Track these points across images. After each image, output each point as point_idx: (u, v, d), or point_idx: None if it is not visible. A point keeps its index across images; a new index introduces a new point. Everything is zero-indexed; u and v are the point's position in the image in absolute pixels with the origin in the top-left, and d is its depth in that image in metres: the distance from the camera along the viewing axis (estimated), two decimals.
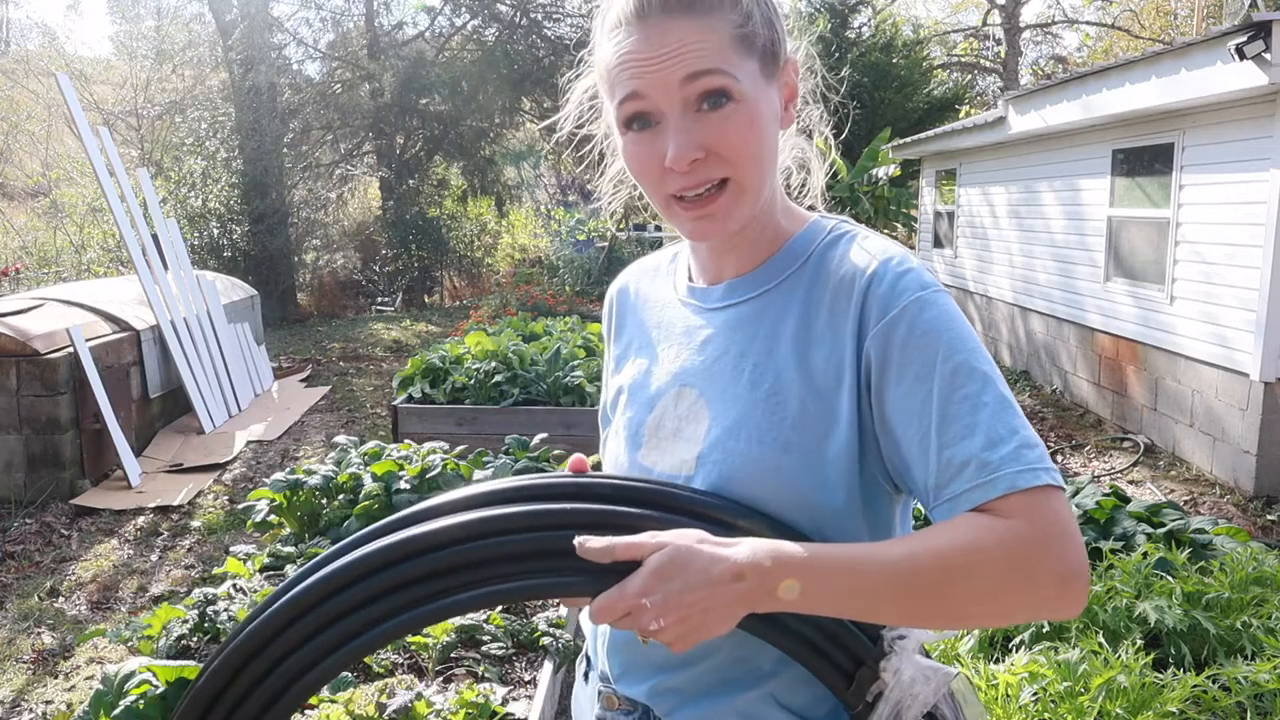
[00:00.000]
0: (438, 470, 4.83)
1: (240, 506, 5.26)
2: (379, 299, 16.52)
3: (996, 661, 2.69)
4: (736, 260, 1.06)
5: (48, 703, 3.38)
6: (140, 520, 5.23)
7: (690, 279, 1.12)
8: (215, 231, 13.97)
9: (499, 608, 3.45)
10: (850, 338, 0.95)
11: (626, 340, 1.18)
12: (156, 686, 2.84)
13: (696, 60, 0.93)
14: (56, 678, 3.58)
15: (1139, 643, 2.58)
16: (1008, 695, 2.38)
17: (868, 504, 0.97)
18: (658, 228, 18.97)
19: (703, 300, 1.08)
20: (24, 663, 3.69)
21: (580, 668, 1.21)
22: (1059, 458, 6.38)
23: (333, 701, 3.09)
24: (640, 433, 1.07)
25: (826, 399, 0.95)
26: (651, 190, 1.00)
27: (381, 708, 2.68)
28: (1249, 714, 2.39)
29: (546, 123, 1.17)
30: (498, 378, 6.32)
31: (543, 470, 4.95)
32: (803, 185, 1.16)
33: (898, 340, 0.92)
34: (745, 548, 0.86)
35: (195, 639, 3.63)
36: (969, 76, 27.35)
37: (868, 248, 0.99)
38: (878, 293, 0.94)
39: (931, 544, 0.86)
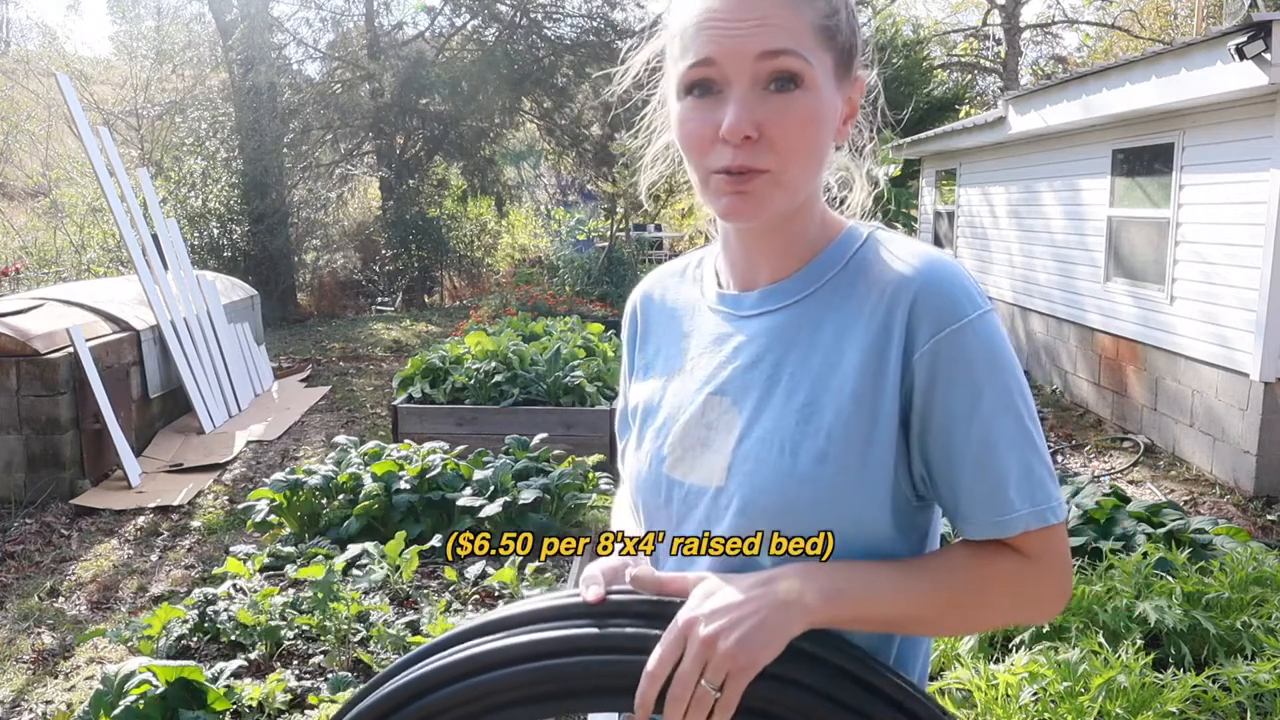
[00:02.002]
0: (438, 470, 4.83)
1: (240, 506, 5.26)
2: (379, 299, 16.52)
3: (996, 661, 2.69)
4: (771, 265, 1.02)
5: (48, 703, 3.38)
6: (140, 520, 5.23)
7: (720, 284, 1.08)
8: (215, 231, 13.96)
9: None
10: (897, 349, 0.93)
11: (653, 348, 1.14)
12: (156, 686, 2.84)
13: (778, 37, 0.90)
14: (56, 678, 3.57)
15: (1139, 643, 2.58)
16: (1008, 695, 2.38)
17: (905, 515, 0.97)
18: (657, 228, 18.96)
19: (735, 307, 1.04)
20: (24, 663, 3.69)
21: None
22: (1059, 458, 6.38)
23: (333, 701, 3.09)
24: (668, 445, 1.04)
25: (866, 411, 0.93)
26: (696, 161, 0.96)
27: None
28: (1249, 714, 2.39)
29: (617, 76, 1.13)
30: (498, 378, 6.32)
31: (542, 469, 4.94)
32: (843, 202, 1.14)
33: (946, 362, 0.91)
34: (779, 568, 0.92)
35: (195, 639, 3.63)
36: (969, 76, 27.35)
37: (911, 253, 0.97)
38: (928, 306, 0.92)
39: (952, 575, 0.94)
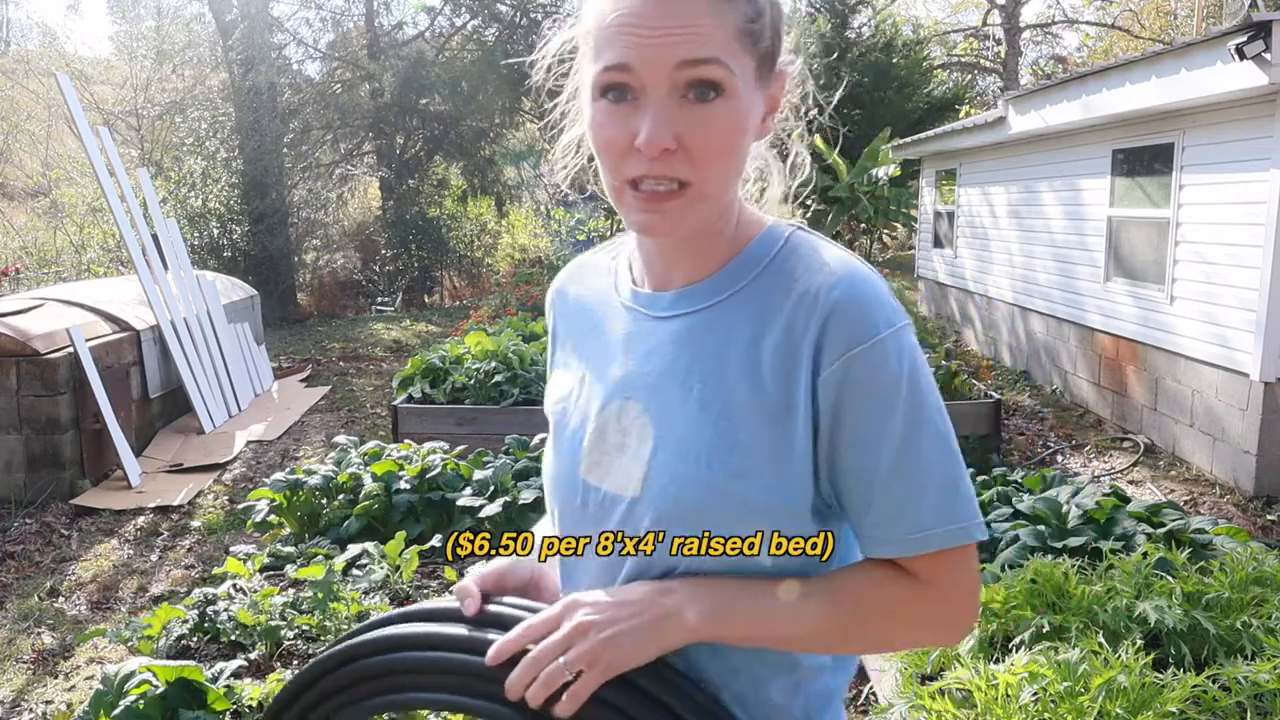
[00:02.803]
0: (438, 470, 4.83)
1: (240, 506, 5.26)
2: (379, 299, 16.52)
3: (996, 661, 2.69)
4: (687, 266, 0.99)
5: (48, 703, 3.38)
6: (140, 520, 5.23)
7: (634, 282, 1.05)
8: (215, 231, 13.97)
9: None
10: (807, 362, 0.90)
11: (570, 343, 1.11)
12: (156, 686, 2.84)
13: (700, 45, 0.86)
14: (56, 678, 3.57)
15: (1139, 643, 2.58)
16: (1008, 695, 2.38)
17: (822, 523, 0.95)
18: None
19: (649, 307, 1.00)
20: (24, 663, 3.69)
21: None
22: (1059, 458, 6.38)
23: None
24: (582, 447, 1.01)
25: (780, 423, 0.90)
26: (610, 168, 0.92)
27: None
28: (1249, 714, 2.39)
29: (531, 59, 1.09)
30: (498, 378, 6.32)
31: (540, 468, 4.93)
32: (761, 193, 1.11)
33: (854, 382, 0.88)
34: (674, 582, 0.93)
35: (195, 639, 3.63)
36: (969, 76, 27.35)
37: (828, 261, 0.94)
38: (839, 323, 0.89)
39: (854, 595, 0.93)
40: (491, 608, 0.98)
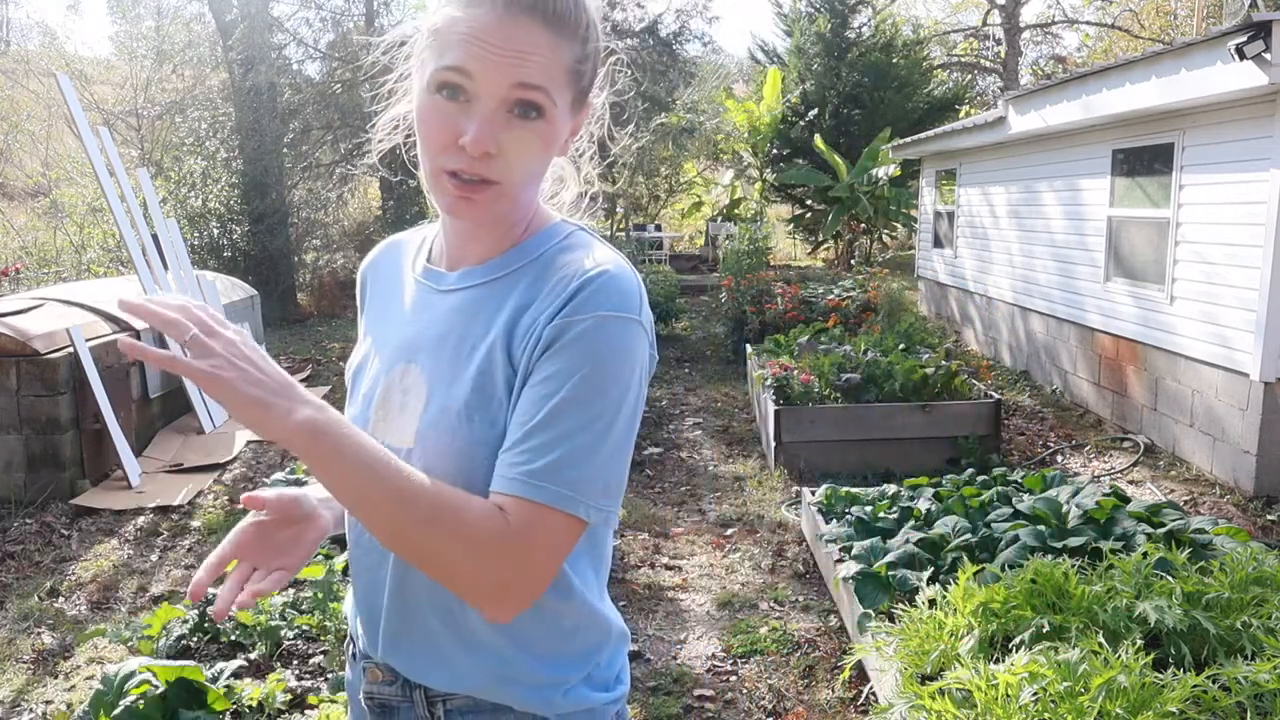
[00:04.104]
0: None
1: (240, 507, 5.25)
2: None
3: (996, 661, 2.69)
4: (479, 248, 1.12)
5: (48, 703, 3.38)
6: (140, 520, 5.23)
7: (429, 260, 1.18)
8: (215, 231, 13.96)
9: None
10: (544, 317, 1.01)
11: (374, 313, 1.23)
12: (156, 686, 2.84)
13: (535, 73, 0.98)
14: (56, 678, 3.57)
15: (1139, 643, 2.58)
16: (1008, 695, 2.38)
17: None
18: (658, 228, 18.97)
19: (436, 282, 1.14)
20: (24, 663, 3.69)
21: (347, 650, 1.27)
22: (1059, 458, 6.38)
23: (333, 701, 3.09)
24: (372, 405, 1.13)
25: (520, 379, 1.02)
26: (431, 154, 1.03)
27: None
28: (1249, 714, 2.39)
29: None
30: None
31: None
32: (553, 196, 1.25)
33: (564, 341, 0.99)
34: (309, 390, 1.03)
35: (195, 639, 3.63)
36: (969, 76, 27.35)
37: (595, 256, 1.06)
38: (581, 293, 1.00)
39: (447, 492, 0.96)
40: None
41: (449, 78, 0.99)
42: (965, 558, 3.51)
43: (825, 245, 20.56)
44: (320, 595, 3.69)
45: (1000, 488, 4.37)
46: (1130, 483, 5.78)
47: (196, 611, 3.70)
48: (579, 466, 0.96)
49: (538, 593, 0.98)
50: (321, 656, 3.49)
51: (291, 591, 3.88)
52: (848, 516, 4.24)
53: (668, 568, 4.53)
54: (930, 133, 11.69)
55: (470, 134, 0.98)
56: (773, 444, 6.00)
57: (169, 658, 3.42)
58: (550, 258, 1.08)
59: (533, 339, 1.01)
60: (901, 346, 7.16)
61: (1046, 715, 2.31)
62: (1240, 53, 4.82)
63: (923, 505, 4.15)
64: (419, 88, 1.04)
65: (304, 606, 3.73)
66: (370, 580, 1.14)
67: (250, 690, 3.10)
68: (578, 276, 1.02)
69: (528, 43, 0.98)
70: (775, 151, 19.96)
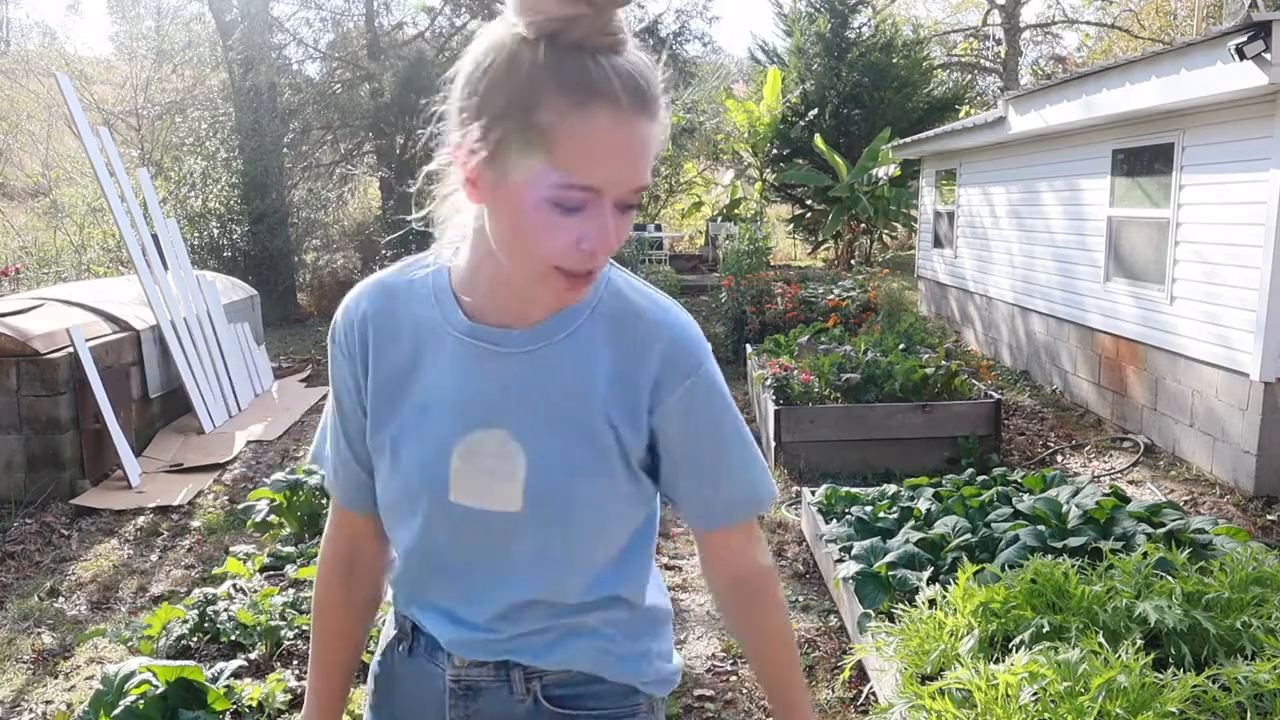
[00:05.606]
0: None
1: (240, 506, 5.25)
2: None
3: (996, 661, 2.69)
4: (539, 306, 1.10)
5: (48, 703, 3.38)
6: (140, 520, 5.23)
7: (464, 313, 1.12)
8: (215, 231, 13.96)
9: None
10: (647, 390, 1.10)
11: (386, 372, 1.15)
12: (156, 686, 2.84)
13: (649, 172, 0.99)
14: (56, 678, 3.57)
15: (1139, 643, 2.58)
16: (1008, 695, 2.38)
17: (652, 506, 1.22)
18: (658, 228, 18.95)
19: (501, 343, 1.11)
20: (24, 663, 3.69)
21: (396, 645, 1.27)
22: (1059, 458, 6.38)
23: None
24: (446, 473, 1.11)
25: (632, 433, 1.11)
26: (538, 256, 0.99)
27: None
28: (1249, 714, 2.39)
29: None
30: None
31: None
32: None
33: (691, 404, 1.12)
34: None
35: (195, 639, 3.63)
36: (969, 76, 27.34)
37: (649, 303, 1.13)
38: (671, 356, 1.10)
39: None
40: None
41: (576, 197, 0.95)
42: (965, 558, 3.51)
43: (825, 245, 20.56)
44: None
45: (1000, 488, 4.36)
46: (1130, 483, 5.78)
47: (196, 611, 3.70)
48: (758, 479, 1.19)
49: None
50: None
51: (291, 591, 3.88)
52: (848, 516, 4.23)
53: (667, 568, 4.52)
54: (930, 133, 11.69)
55: (596, 242, 0.97)
56: (772, 444, 6.00)
57: (169, 658, 3.42)
58: (610, 309, 1.12)
59: (644, 401, 1.11)
60: (901, 346, 7.16)
61: (1046, 715, 2.31)
62: (1240, 53, 4.82)
63: (923, 505, 4.15)
64: (521, 187, 0.95)
65: (304, 607, 3.73)
66: (469, 581, 1.17)
67: (250, 690, 3.10)
68: (658, 336, 1.10)
69: (643, 145, 0.96)
70: (775, 151, 19.95)
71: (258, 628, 3.58)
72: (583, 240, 0.97)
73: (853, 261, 17.61)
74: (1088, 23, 27.76)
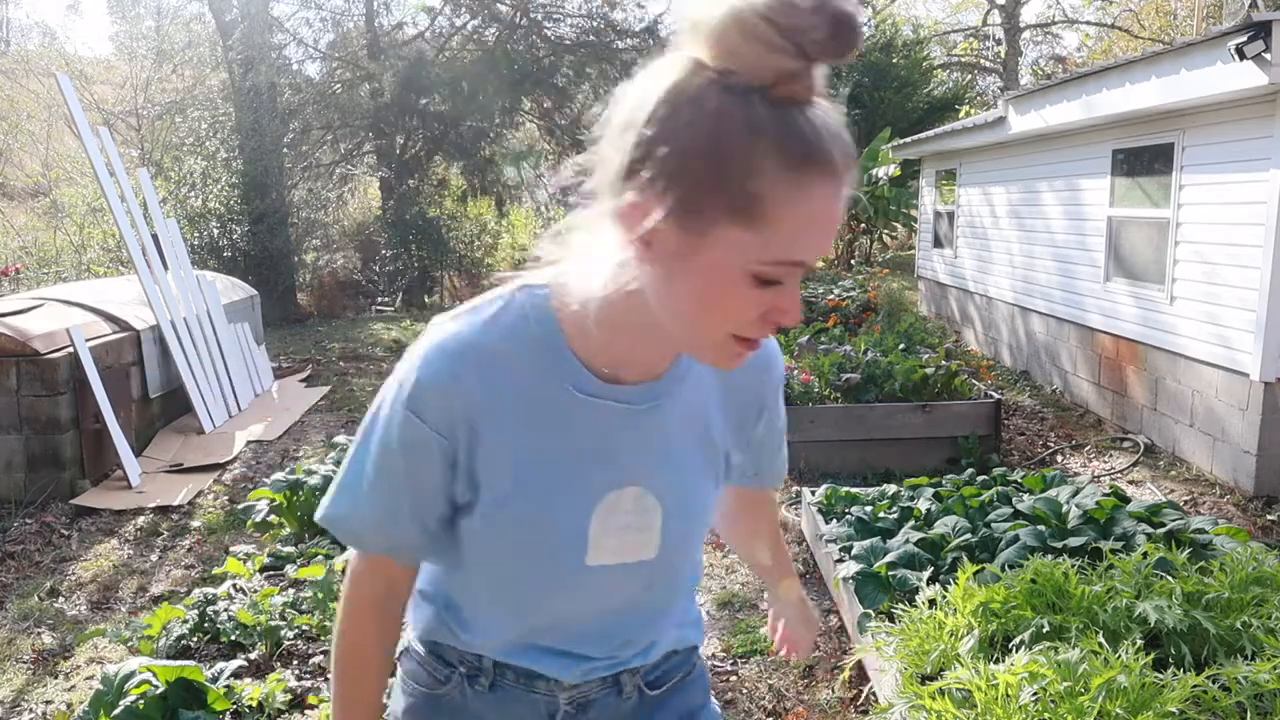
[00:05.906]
0: None
1: (240, 506, 5.25)
2: (379, 299, 16.51)
3: (996, 661, 2.69)
4: (654, 355, 1.06)
5: (48, 703, 3.38)
6: (140, 520, 5.23)
7: (587, 369, 1.04)
8: (215, 231, 13.96)
9: None
10: (755, 408, 1.23)
11: (502, 443, 1.04)
12: (156, 686, 2.84)
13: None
14: (56, 678, 3.57)
15: (1139, 643, 2.58)
16: (1008, 695, 2.38)
17: None
18: None
19: (630, 400, 1.06)
20: (24, 663, 3.69)
21: (465, 681, 1.19)
22: (1059, 458, 6.38)
23: None
24: (582, 540, 1.08)
25: (736, 448, 1.23)
26: (723, 325, 0.91)
27: None
28: (1249, 714, 2.39)
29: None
30: None
31: None
32: None
33: (774, 406, 1.27)
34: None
35: (195, 639, 3.63)
36: (969, 76, 27.35)
37: None
38: (769, 368, 1.22)
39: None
40: None
41: (785, 273, 0.88)
42: (965, 558, 3.50)
43: None
44: (320, 595, 3.69)
45: (1000, 488, 4.36)
46: (1130, 483, 5.78)
47: (196, 611, 3.70)
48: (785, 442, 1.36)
49: None
50: (321, 656, 3.49)
51: (292, 591, 3.88)
52: (848, 516, 4.23)
53: None
54: (930, 133, 11.68)
55: (790, 317, 0.91)
56: None
57: (169, 658, 3.42)
58: None
59: (751, 417, 1.22)
60: (901, 346, 7.16)
61: (1046, 715, 2.31)
62: (1240, 53, 4.82)
63: (923, 505, 4.15)
64: (719, 258, 0.86)
65: (304, 606, 3.74)
66: (592, 627, 1.19)
67: (250, 690, 3.10)
68: (764, 359, 1.19)
69: (843, 209, 0.88)
70: None
71: (258, 628, 3.58)
72: (773, 313, 0.90)
73: (853, 261, 17.62)
74: (1088, 23, 27.77)
